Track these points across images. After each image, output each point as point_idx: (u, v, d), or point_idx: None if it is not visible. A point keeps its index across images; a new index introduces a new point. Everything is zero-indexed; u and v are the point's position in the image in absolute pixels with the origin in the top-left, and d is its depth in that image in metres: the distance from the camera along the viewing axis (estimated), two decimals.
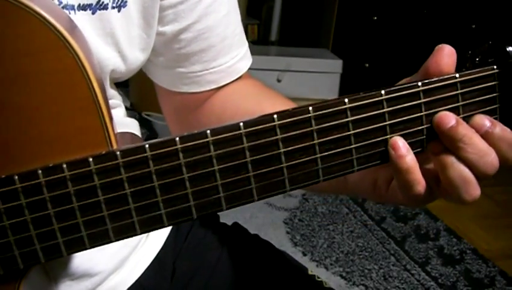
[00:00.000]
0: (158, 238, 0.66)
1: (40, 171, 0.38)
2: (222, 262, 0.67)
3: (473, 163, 0.42)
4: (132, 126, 0.64)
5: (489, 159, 0.42)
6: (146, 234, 0.65)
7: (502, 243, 1.92)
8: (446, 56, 0.44)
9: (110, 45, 0.53)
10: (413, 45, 2.76)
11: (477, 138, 0.43)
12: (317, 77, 2.71)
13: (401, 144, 0.43)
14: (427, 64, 0.45)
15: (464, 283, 1.69)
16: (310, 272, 0.69)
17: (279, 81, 2.67)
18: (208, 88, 0.64)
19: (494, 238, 1.94)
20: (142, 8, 0.55)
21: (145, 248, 0.64)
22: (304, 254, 1.74)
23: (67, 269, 0.53)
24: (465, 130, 0.42)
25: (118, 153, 0.39)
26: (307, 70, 2.70)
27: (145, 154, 0.39)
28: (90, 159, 0.38)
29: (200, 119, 0.66)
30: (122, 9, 0.53)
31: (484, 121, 0.44)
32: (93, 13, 0.51)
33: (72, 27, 0.41)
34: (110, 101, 0.59)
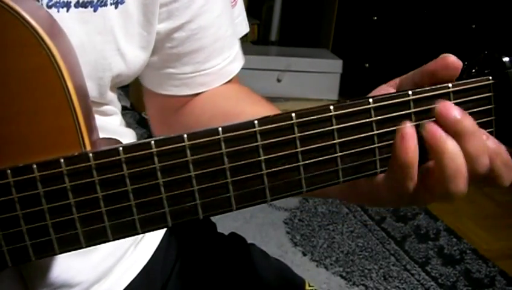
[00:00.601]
0: (147, 248, 0.64)
1: (9, 171, 0.37)
2: (216, 278, 0.66)
3: (472, 157, 0.40)
4: (126, 136, 0.62)
5: (486, 160, 0.41)
6: (134, 244, 0.62)
7: (502, 243, 1.92)
8: (447, 68, 0.42)
9: (111, 42, 0.53)
10: (413, 45, 2.76)
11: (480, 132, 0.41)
12: (317, 77, 2.71)
13: (411, 135, 0.40)
14: (426, 70, 0.43)
15: (463, 283, 1.68)
16: (307, 287, 0.67)
17: (279, 81, 2.67)
18: (198, 91, 0.63)
19: (494, 238, 1.94)
20: (142, 5, 0.54)
21: (132, 258, 0.62)
22: (304, 254, 1.74)
23: (46, 279, 0.52)
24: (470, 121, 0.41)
25: (91, 155, 0.38)
26: (307, 70, 2.70)
27: (119, 157, 0.38)
28: (62, 160, 0.37)
29: (180, 120, 0.64)
30: (120, 5, 0.52)
31: None
32: (95, 10, 0.50)
33: (52, 26, 0.41)
34: (107, 107, 0.58)
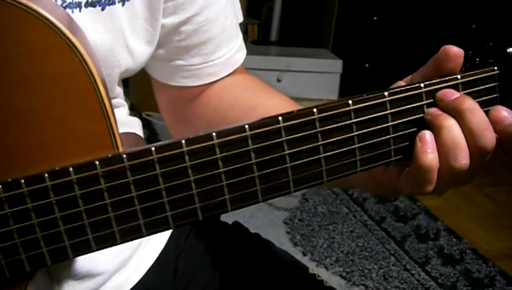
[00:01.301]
0: (160, 239, 0.66)
1: (46, 175, 0.38)
2: (223, 261, 0.67)
3: (476, 132, 0.42)
4: (135, 125, 0.64)
5: (491, 134, 0.43)
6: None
7: (502, 243, 1.92)
8: (449, 58, 0.44)
9: (119, 39, 0.54)
10: (413, 45, 2.76)
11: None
12: (317, 77, 2.71)
13: (428, 139, 0.43)
14: (430, 63, 0.45)
15: (463, 283, 1.69)
16: (310, 271, 0.69)
17: (279, 81, 2.67)
18: (207, 81, 0.64)
19: (494, 238, 1.94)
20: (147, 0, 0.55)
21: (147, 249, 0.64)
22: (304, 254, 1.75)
23: (70, 270, 0.54)
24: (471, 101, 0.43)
25: (124, 156, 0.39)
26: (307, 70, 2.71)
27: (152, 157, 0.39)
28: (97, 162, 0.38)
29: (195, 111, 0.66)
30: (126, 2, 0.53)
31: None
32: (102, 9, 0.51)
33: (74, 28, 0.41)
34: (115, 100, 0.60)
